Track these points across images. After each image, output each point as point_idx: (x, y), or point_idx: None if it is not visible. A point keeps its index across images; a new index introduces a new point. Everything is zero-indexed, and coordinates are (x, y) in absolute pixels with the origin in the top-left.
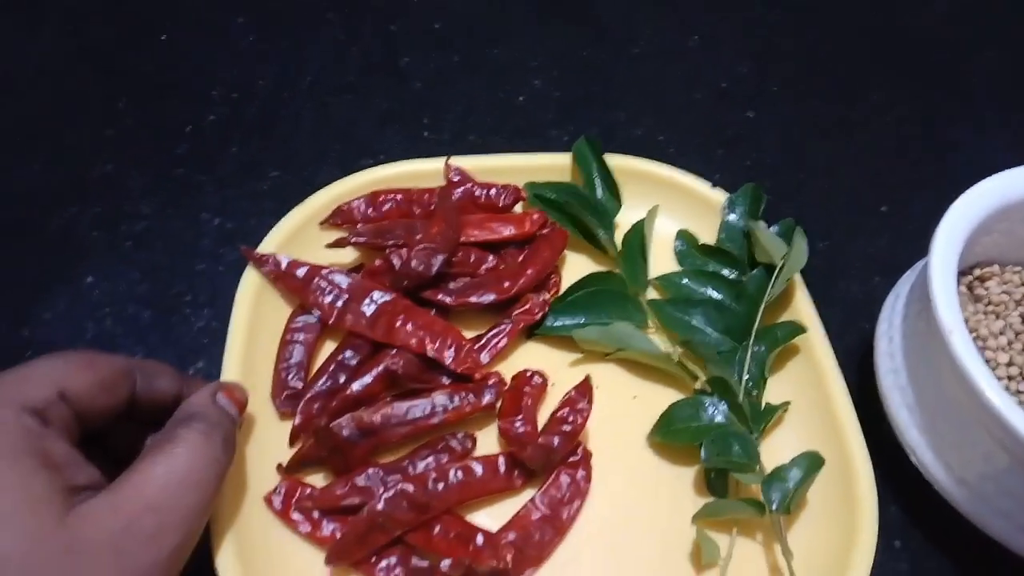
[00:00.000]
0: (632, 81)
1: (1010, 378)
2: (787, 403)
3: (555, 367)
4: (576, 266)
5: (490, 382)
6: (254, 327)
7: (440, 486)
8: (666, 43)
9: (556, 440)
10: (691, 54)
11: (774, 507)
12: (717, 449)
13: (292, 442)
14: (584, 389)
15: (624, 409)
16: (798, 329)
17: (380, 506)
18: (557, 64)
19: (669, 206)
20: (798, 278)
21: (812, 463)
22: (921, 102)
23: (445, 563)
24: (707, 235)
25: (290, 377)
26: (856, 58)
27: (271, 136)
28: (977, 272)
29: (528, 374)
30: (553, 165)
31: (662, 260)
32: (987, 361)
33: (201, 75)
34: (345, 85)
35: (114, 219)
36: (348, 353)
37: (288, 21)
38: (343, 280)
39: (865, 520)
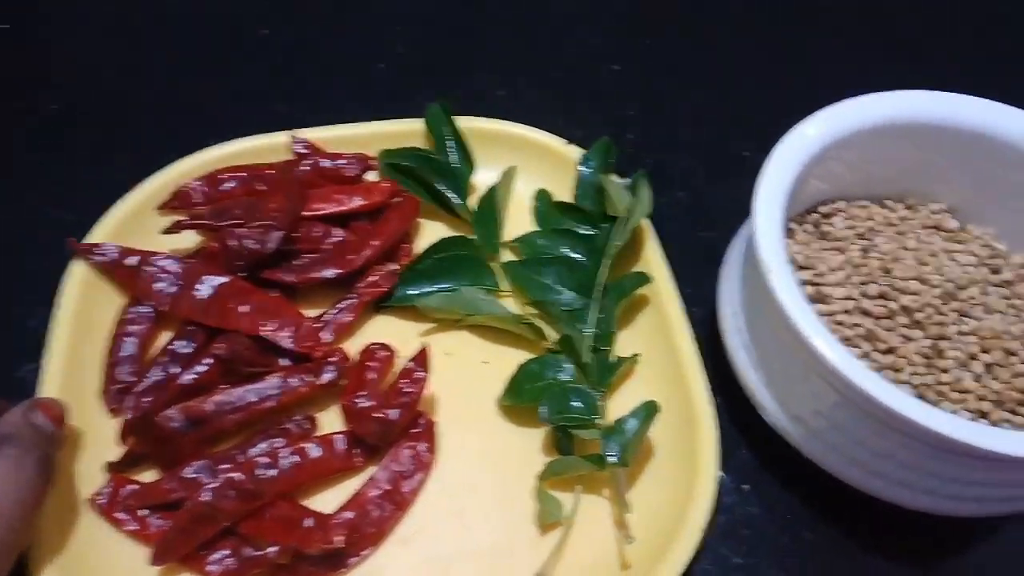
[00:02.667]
0: (499, 42)
1: (846, 312)
2: (636, 355)
3: (407, 339)
4: (432, 234)
5: (331, 360)
6: (84, 322)
7: (272, 472)
8: (536, 2)
9: (393, 412)
10: (558, 10)
11: (612, 460)
12: (556, 407)
13: (123, 439)
14: (421, 359)
15: (475, 375)
16: (643, 279)
17: (205, 497)
18: (423, 29)
19: (529, 166)
20: (650, 230)
21: (648, 412)
22: (790, 49)
23: (272, 550)
24: (567, 193)
25: (121, 371)
26: (725, 7)
27: (118, 121)
28: (823, 209)
29: (373, 348)
30: (407, 131)
31: (523, 221)
32: (824, 296)
33: (45, 60)
34: (198, 63)
35: None
36: (182, 342)
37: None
38: (175, 266)
39: (705, 466)
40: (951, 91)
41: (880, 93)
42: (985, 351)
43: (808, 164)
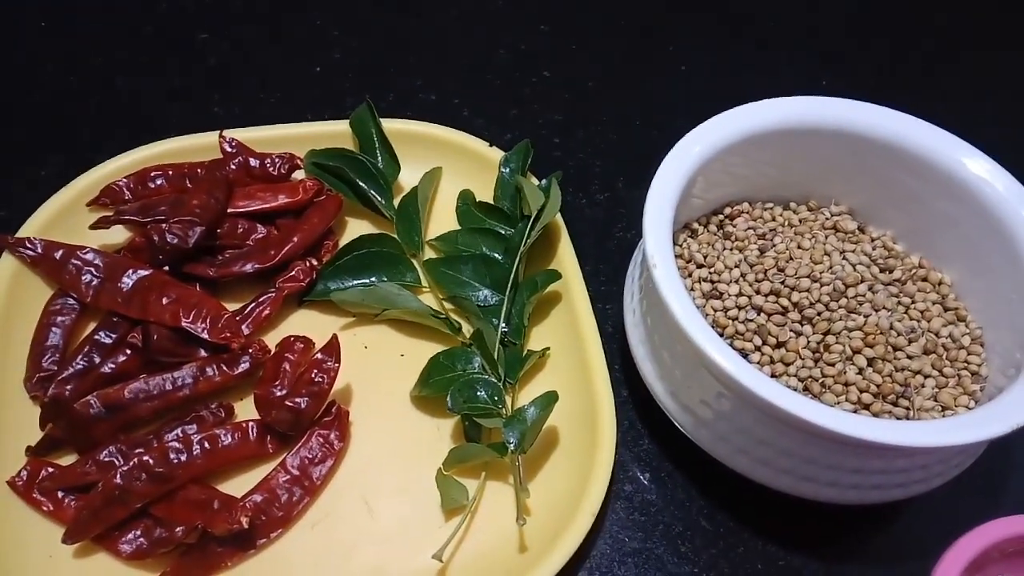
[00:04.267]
0: (433, 47)
1: (739, 307)
2: (546, 349)
3: (327, 333)
4: (357, 233)
5: (248, 351)
6: (10, 314)
7: (183, 456)
8: (469, 6)
9: (303, 401)
10: (494, 17)
11: (512, 447)
12: (462, 397)
13: (43, 425)
14: (331, 349)
15: (392, 368)
16: (554, 275)
17: (117, 479)
18: (358, 33)
19: (454, 168)
20: (563, 229)
21: (547, 401)
22: (715, 53)
23: (180, 529)
24: (490, 194)
25: (44, 360)
26: (651, 10)
27: (56, 120)
28: (728, 211)
29: (291, 340)
30: (335, 132)
31: (448, 221)
32: (719, 293)
33: None
34: (136, 64)
35: None
36: (103, 333)
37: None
38: (99, 259)
39: (603, 455)
40: (860, 99)
41: (776, 99)
42: (869, 346)
43: (701, 167)
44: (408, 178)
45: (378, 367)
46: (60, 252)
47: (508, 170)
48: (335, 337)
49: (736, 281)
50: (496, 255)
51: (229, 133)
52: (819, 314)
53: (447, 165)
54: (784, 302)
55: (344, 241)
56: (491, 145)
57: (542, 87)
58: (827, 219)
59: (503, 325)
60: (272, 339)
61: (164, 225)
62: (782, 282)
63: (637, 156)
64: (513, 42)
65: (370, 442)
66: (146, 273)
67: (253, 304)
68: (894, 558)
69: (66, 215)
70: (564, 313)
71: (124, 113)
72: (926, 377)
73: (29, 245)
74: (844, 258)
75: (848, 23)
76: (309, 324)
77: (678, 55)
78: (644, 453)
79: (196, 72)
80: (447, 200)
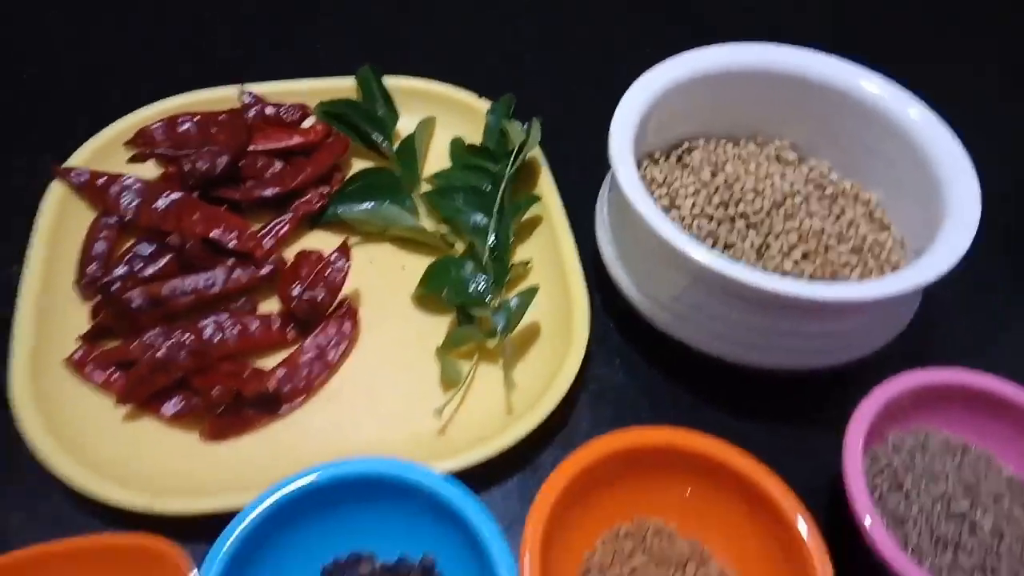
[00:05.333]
0: (429, 10)
1: (693, 216)
2: (528, 261)
3: None
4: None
5: (270, 259)
6: (59, 232)
7: (216, 338)
8: None
9: (320, 293)
10: None
11: (500, 329)
12: (457, 290)
13: (94, 315)
14: (343, 251)
15: (394, 278)
16: (534, 199)
17: (160, 352)
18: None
19: (447, 118)
20: (543, 162)
21: (529, 293)
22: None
23: (216, 389)
24: (478, 140)
25: (91, 267)
26: None
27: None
28: (686, 145)
29: (306, 252)
30: (342, 87)
31: (441, 165)
32: (676, 205)
33: (39, 30)
34: (171, 26)
35: None
36: (143, 246)
37: None
38: (137, 184)
39: (577, 340)
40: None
41: (726, 44)
42: (804, 242)
43: (661, 97)
44: (406, 128)
45: (382, 277)
46: (103, 179)
47: (494, 117)
48: (346, 240)
49: (690, 196)
50: (484, 186)
51: (248, 86)
52: (761, 221)
53: (440, 115)
54: (731, 211)
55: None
56: (480, 97)
57: (524, 42)
58: (771, 152)
59: (491, 241)
60: (288, 256)
61: (194, 155)
62: (730, 196)
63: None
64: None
65: (376, 335)
66: (179, 196)
67: (273, 223)
68: (830, 421)
69: (105, 153)
70: (545, 232)
71: (155, 68)
72: (852, 268)
73: (76, 173)
74: (783, 178)
75: None
76: (321, 243)
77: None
78: (614, 344)
79: (221, 33)
80: (441, 147)
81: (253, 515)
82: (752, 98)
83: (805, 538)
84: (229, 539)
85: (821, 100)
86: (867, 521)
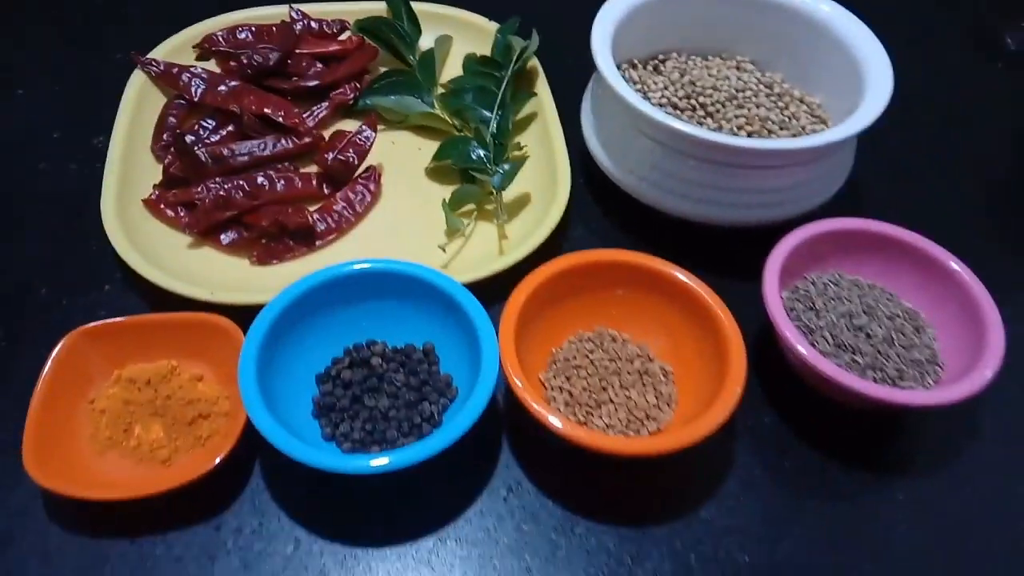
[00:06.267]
0: None
1: (661, 105)
2: (524, 146)
3: None
4: None
5: (310, 133)
6: (139, 109)
7: (267, 186)
8: None
9: (351, 155)
10: None
11: (496, 185)
12: (463, 157)
13: (165, 171)
14: (371, 122)
15: (412, 156)
16: (531, 95)
17: (221, 192)
18: None
19: (463, 37)
20: (539, 68)
21: (521, 160)
22: None
23: (266, 220)
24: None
25: (165, 134)
26: None
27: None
28: (661, 56)
29: (340, 131)
30: (375, 9)
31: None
32: (648, 98)
33: None
34: None
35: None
36: (207, 120)
37: None
38: (204, 72)
39: (559, 204)
40: None
41: None
42: (749, 124)
43: (635, 5)
44: (427, 45)
45: (402, 155)
46: (175, 68)
47: (502, 36)
48: (373, 114)
49: (660, 89)
50: (489, 86)
51: (296, 5)
52: (717, 110)
53: (456, 36)
54: (693, 103)
55: None
56: (490, 20)
57: None
58: (733, 63)
59: (493, 128)
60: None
61: (251, 52)
62: (693, 90)
63: None
64: None
65: (395, 196)
66: (237, 82)
67: (313, 108)
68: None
69: (177, 53)
70: (539, 124)
71: None
72: None
73: (154, 64)
74: (739, 79)
75: None
76: (352, 128)
77: None
78: (592, 215)
79: None
80: (456, 65)
81: (288, 298)
82: (716, 17)
83: (727, 332)
84: (266, 318)
85: (777, 19)
86: (781, 323)
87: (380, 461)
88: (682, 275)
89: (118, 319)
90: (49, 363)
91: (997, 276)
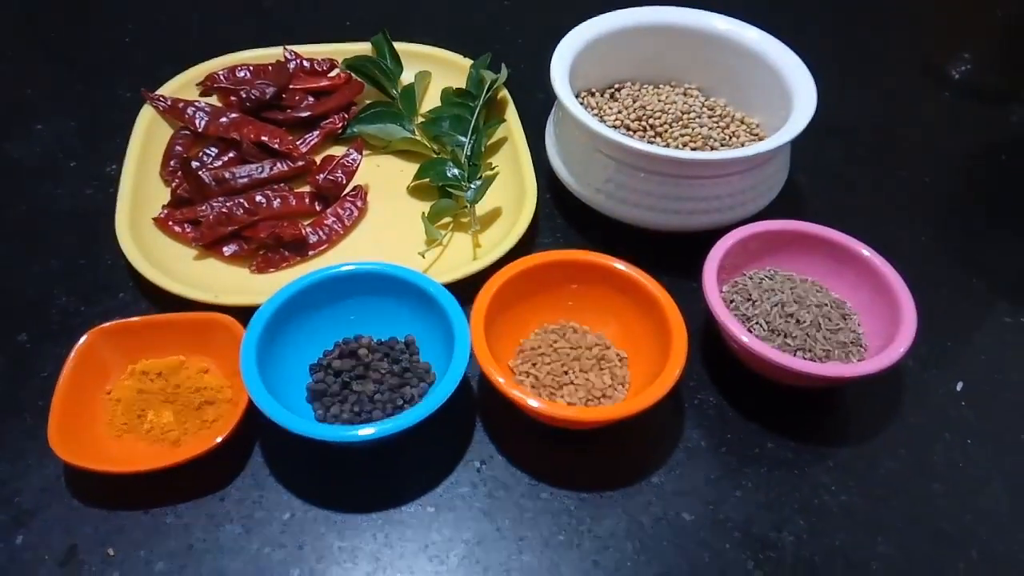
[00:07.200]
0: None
1: (615, 127)
2: (496, 166)
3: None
4: None
5: (303, 158)
6: (148, 139)
7: (264, 203)
8: None
9: (340, 175)
10: None
11: (469, 198)
12: (440, 176)
13: (173, 193)
14: (357, 146)
15: (395, 177)
16: (500, 121)
17: (224, 208)
18: None
19: (441, 72)
20: (508, 98)
21: (491, 176)
22: None
23: (263, 233)
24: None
25: (172, 162)
26: None
27: (178, 38)
28: (616, 85)
29: (329, 156)
30: (360, 49)
31: (435, 105)
32: (604, 121)
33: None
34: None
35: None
36: (210, 148)
37: None
38: (206, 107)
39: (526, 211)
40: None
41: (642, 7)
42: (693, 142)
43: (593, 40)
44: (408, 80)
45: (386, 176)
46: (181, 103)
47: (475, 71)
48: (359, 139)
49: (614, 113)
50: (464, 115)
51: (290, 47)
52: (665, 131)
53: (435, 71)
54: (644, 124)
55: None
56: (465, 57)
57: (505, 14)
58: (681, 90)
59: (467, 151)
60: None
61: (249, 88)
62: (643, 113)
63: None
64: None
65: (380, 212)
66: (237, 115)
67: (305, 136)
68: None
69: (182, 90)
70: (508, 148)
71: (219, 34)
72: None
73: (162, 99)
74: (684, 103)
75: None
76: (340, 154)
77: None
78: (558, 226)
79: (263, 10)
80: (434, 95)
81: (283, 297)
82: (664, 50)
83: (668, 315)
84: (264, 313)
85: (718, 50)
86: (718, 310)
87: (367, 431)
88: (628, 268)
89: (132, 319)
90: (71, 357)
91: (915, 269)
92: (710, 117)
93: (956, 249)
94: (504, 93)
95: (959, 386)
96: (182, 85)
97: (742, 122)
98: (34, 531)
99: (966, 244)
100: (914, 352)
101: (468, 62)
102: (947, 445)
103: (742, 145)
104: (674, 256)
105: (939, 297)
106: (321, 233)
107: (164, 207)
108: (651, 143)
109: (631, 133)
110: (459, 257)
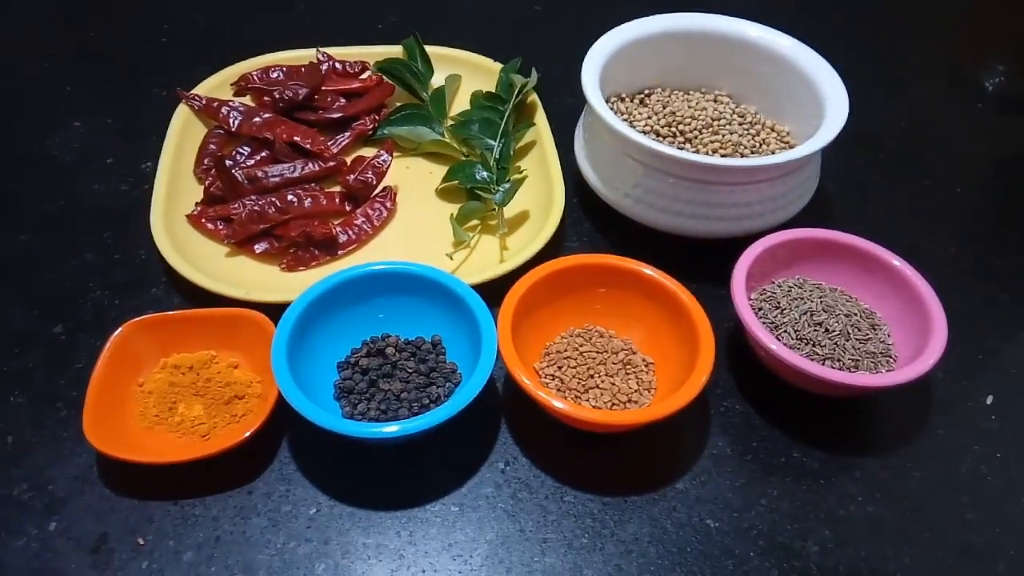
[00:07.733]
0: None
1: (644, 132)
2: (524, 169)
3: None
4: None
5: (334, 158)
6: (183, 138)
7: (295, 202)
8: None
9: (370, 176)
10: None
11: (498, 201)
12: (469, 179)
13: (206, 191)
14: (387, 147)
15: (424, 179)
16: (530, 124)
17: (256, 206)
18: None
19: (471, 75)
20: (538, 102)
21: (520, 180)
22: None
23: (295, 231)
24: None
25: (206, 159)
26: None
27: (213, 40)
28: (647, 91)
29: (360, 156)
30: (392, 52)
31: (465, 108)
32: (634, 126)
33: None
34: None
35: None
36: (243, 147)
37: None
38: (240, 106)
39: (554, 215)
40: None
41: (672, 13)
42: (723, 148)
43: (622, 47)
44: (439, 83)
45: (415, 177)
46: (216, 103)
47: (505, 74)
48: (389, 141)
49: (644, 119)
50: (493, 118)
51: (322, 49)
52: (695, 136)
53: (465, 74)
54: (674, 130)
55: None
56: (495, 61)
57: (537, 18)
58: (711, 97)
59: (496, 154)
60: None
61: (283, 88)
62: (673, 119)
63: None
64: None
65: (409, 213)
66: (270, 115)
67: (337, 137)
68: None
69: (216, 90)
70: (537, 152)
71: (255, 36)
72: None
73: (196, 98)
74: (714, 109)
75: None
76: (371, 155)
77: None
78: (586, 231)
79: (300, 15)
80: (464, 98)
81: (313, 295)
82: (695, 56)
83: (696, 321)
84: (295, 309)
85: (749, 57)
86: (747, 318)
87: (392, 428)
88: (656, 274)
89: (165, 313)
90: (105, 349)
91: (943, 279)
92: (740, 124)
93: (985, 260)
94: (534, 97)
95: (989, 399)
96: (217, 85)
97: (772, 129)
98: (66, 518)
99: (995, 255)
100: (943, 364)
101: (498, 66)
102: (976, 457)
103: (772, 153)
104: (701, 262)
105: (967, 308)
106: (351, 233)
107: (197, 204)
108: (681, 149)
109: (661, 139)
110: (487, 259)
